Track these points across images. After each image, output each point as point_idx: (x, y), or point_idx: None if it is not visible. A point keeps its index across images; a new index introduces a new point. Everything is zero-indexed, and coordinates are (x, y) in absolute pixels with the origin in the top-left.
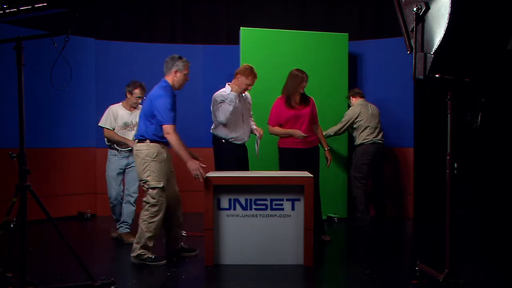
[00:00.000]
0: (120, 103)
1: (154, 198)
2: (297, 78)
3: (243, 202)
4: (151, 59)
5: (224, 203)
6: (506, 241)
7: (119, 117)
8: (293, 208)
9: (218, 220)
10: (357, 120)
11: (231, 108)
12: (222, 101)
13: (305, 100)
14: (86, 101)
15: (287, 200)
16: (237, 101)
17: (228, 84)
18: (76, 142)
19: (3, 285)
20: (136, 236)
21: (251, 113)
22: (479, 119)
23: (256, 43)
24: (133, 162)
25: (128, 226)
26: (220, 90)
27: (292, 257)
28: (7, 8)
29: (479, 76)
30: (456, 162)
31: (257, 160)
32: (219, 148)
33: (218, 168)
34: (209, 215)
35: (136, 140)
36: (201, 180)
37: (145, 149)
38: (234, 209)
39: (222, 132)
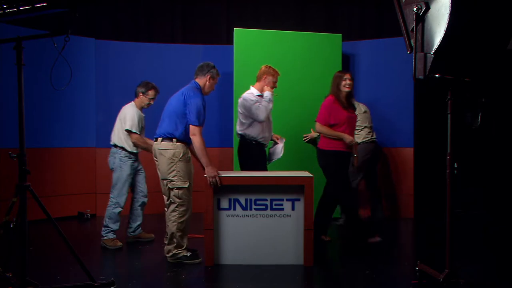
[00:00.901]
0: (132, 103)
1: (180, 198)
2: (337, 78)
3: (243, 202)
4: (151, 59)
5: (224, 203)
6: (506, 241)
7: (142, 119)
8: (293, 208)
9: (218, 220)
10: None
11: (271, 105)
12: (257, 101)
13: (351, 102)
14: (86, 101)
15: (287, 200)
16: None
17: (253, 87)
18: (76, 142)
19: (3, 285)
20: (167, 238)
21: None
22: (479, 119)
23: (250, 43)
24: (140, 165)
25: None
26: (247, 92)
27: (292, 257)
28: (7, 8)
29: (479, 76)
30: (456, 162)
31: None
32: (248, 148)
33: (245, 168)
34: (209, 215)
35: (160, 139)
36: (213, 187)
37: (171, 148)
38: (234, 209)
39: (254, 132)
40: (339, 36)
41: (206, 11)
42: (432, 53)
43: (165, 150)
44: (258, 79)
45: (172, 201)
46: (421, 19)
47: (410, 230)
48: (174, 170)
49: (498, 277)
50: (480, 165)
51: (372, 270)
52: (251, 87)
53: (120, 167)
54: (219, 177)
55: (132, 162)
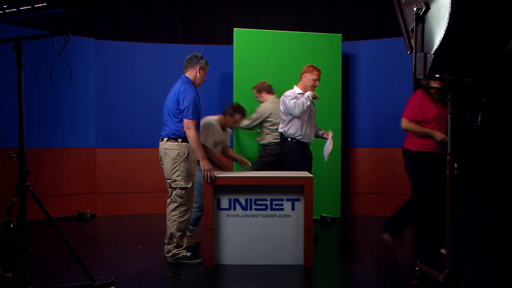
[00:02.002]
0: (217, 117)
1: (182, 198)
2: None
3: (243, 202)
4: (151, 59)
5: (224, 203)
6: (506, 241)
7: (216, 134)
8: (293, 208)
9: (218, 220)
10: (269, 119)
11: (308, 103)
12: (296, 97)
13: (443, 96)
14: (86, 101)
15: (287, 200)
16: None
17: (296, 86)
18: (76, 142)
19: (3, 285)
20: (167, 238)
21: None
22: (479, 119)
23: (250, 43)
24: None
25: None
26: (289, 91)
27: (292, 257)
28: (7, 8)
29: (479, 76)
30: (456, 162)
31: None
32: (288, 146)
33: (286, 167)
34: (209, 215)
35: (166, 139)
36: (209, 182)
37: (176, 148)
38: (234, 209)
39: (293, 129)
40: (339, 36)
41: (206, 11)
42: (432, 53)
43: (170, 150)
44: (300, 78)
45: (174, 200)
46: (421, 19)
47: (410, 230)
48: (178, 170)
49: (498, 277)
50: (480, 165)
51: (372, 270)
52: (295, 86)
53: (197, 172)
54: (213, 171)
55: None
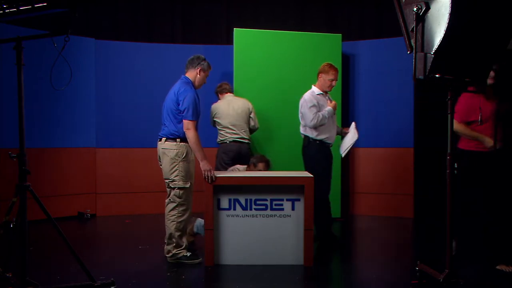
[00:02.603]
0: (244, 167)
1: (180, 198)
2: None
3: (243, 202)
4: (151, 59)
5: (224, 203)
6: (506, 241)
7: None
8: (293, 208)
9: (218, 220)
10: (214, 118)
11: (326, 120)
12: (314, 106)
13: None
14: (86, 101)
15: (287, 200)
16: (327, 101)
17: (314, 86)
18: (76, 142)
19: (3, 285)
20: (166, 238)
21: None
22: (479, 119)
23: (249, 44)
24: None
25: None
26: (309, 92)
27: (292, 257)
28: (7, 8)
29: (479, 76)
30: (456, 162)
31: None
32: (310, 149)
33: (309, 170)
34: (209, 215)
35: (164, 139)
36: (209, 182)
37: (175, 148)
38: (234, 209)
39: (316, 131)
40: (339, 36)
41: (206, 11)
42: (432, 53)
43: (169, 150)
44: (317, 77)
45: (172, 200)
46: (421, 19)
47: (410, 230)
48: (176, 170)
49: (498, 277)
50: (480, 165)
51: (372, 270)
52: (312, 86)
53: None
54: (213, 171)
55: None
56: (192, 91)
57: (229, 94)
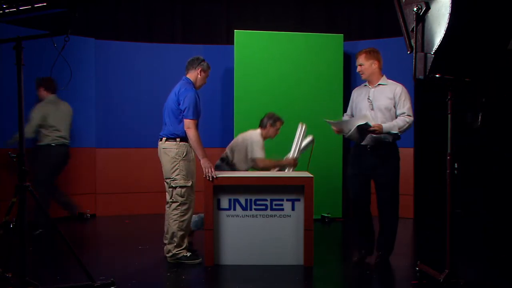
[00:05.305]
0: (259, 130)
1: (182, 197)
2: None
3: (243, 202)
4: (151, 59)
5: (224, 203)
6: (506, 241)
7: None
8: (293, 208)
9: (218, 220)
10: (43, 122)
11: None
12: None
13: None
14: (86, 101)
15: (287, 200)
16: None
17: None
18: (76, 142)
19: (3, 285)
20: (168, 237)
21: None
22: (479, 119)
23: (250, 45)
24: None
25: None
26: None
27: (292, 257)
28: (7, 8)
29: (479, 76)
30: (456, 162)
31: None
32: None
33: (397, 175)
34: (209, 215)
35: (165, 138)
36: (210, 180)
37: (175, 148)
38: (234, 209)
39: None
40: (340, 36)
41: (206, 11)
42: (432, 53)
43: (169, 149)
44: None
45: (174, 199)
46: (421, 19)
47: (410, 230)
48: (177, 169)
49: (498, 277)
50: (480, 165)
51: (372, 270)
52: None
53: None
54: (213, 169)
55: None
56: (192, 91)
57: (54, 94)
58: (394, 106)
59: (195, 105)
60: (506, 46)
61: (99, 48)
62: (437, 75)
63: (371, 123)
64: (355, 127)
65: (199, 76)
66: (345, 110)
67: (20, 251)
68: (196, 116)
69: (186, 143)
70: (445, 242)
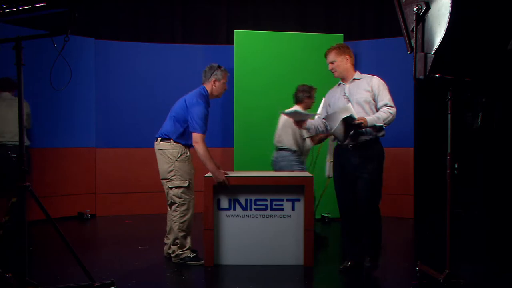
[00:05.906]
0: (295, 108)
1: (180, 198)
2: None
3: (243, 203)
4: (151, 59)
5: (224, 203)
6: (506, 241)
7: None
8: (293, 209)
9: (218, 220)
10: None
11: None
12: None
13: None
14: (86, 101)
15: (287, 200)
16: None
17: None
18: (76, 142)
19: (3, 285)
20: (171, 238)
21: None
22: (479, 119)
23: (250, 45)
24: None
25: None
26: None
27: (292, 257)
28: (6, 8)
29: (480, 76)
30: (456, 162)
31: None
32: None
33: (380, 174)
34: (209, 215)
35: (160, 139)
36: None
37: (169, 148)
38: (234, 209)
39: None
40: (340, 36)
41: (206, 11)
42: (432, 53)
43: (164, 150)
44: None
45: (173, 201)
46: (421, 19)
47: (410, 230)
48: (172, 169)
49: (498, 277)
50: (480, 165)
51: (372, 270)
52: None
53: (293, 169)
54: (227, 177)
55: None
56: (203, 105)
57: (9, 92)
58: (374, 100)
59: (204, 119)
60: (506, 46)
61: (99, 48)
62: (437, 75)
63: (355, 115)
64: (339, 121)
65: (214, 87)
66: None
67: (20, 251)
68: (204, 130)
69: (180, 144)
70: (445, 242)
